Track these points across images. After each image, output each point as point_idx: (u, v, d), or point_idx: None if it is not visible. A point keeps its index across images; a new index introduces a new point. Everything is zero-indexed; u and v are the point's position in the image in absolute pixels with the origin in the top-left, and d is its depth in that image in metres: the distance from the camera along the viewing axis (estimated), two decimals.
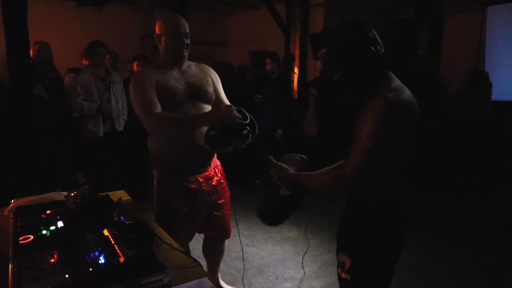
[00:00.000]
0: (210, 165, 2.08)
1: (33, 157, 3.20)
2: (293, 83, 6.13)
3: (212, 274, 2.52)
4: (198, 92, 1.95)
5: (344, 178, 1.38)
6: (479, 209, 4.10)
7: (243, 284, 2.66)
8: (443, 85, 5.32)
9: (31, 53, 3.82)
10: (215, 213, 2.14)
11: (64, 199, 1.74)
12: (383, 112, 1.31)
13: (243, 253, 2.85)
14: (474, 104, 4.84)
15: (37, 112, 3.32)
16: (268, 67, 4.76)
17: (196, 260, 1.39)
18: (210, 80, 2.04)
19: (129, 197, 2.04)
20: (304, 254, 3.02)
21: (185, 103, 1.90)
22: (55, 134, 3.82)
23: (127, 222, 1.51)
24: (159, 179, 1.99)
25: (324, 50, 1.53)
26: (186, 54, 1.95)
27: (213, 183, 2.09)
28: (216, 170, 2.14)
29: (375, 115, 1.31)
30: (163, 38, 1.93)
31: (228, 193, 2.22)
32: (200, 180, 2.02)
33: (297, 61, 6.25)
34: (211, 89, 2.01)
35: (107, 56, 4.04)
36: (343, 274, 1.50)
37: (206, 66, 2.13)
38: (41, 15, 4.99)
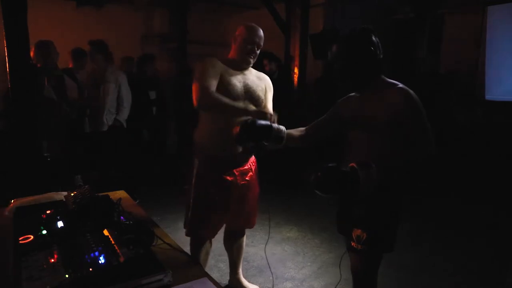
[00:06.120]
0: (248, 160, 2.23)
1: (34, 157, 3.19)
2: (293, 83, 6.12)
3: (234, 272, 2.57)
4: (251, 95, 2.12)
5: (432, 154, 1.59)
6: (479, 210, 4.10)
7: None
8: (445, 85, 5.32)
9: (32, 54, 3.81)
10: (245, 206, 2.27)
11: (64, 199, 1.74)
12: (411, 99, 1.59)
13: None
14: None
15: (48, 114, 3.39)
16: (267, 68, 4.74)
17: (196, 260, 1.39)
18: (264, 87, 2.23)
19: (129, 197, 2.05)
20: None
21: (239, 101, 2.06)
22: (60, 135, 3.83)
23: (127, 222, 1.51)
24: (199, 167, 2.13)
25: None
26: (252, 61, 2.15)
27: (247, 178, 2.22)
28: (252, 166, 2.27)
29: (408, 104, 1.58)
30: (239, 40, 2.11)
31: (258, 188, 2.34)
32: (236, 173, 2.15)
33: (297, 61, 6.23)
34: (263, 96, 2.20)
35: (100, 56, 3.99)
36: (360, 246, 1.70)
37: (264, 75, 2.30)
38: (41, 15, 4.97)
